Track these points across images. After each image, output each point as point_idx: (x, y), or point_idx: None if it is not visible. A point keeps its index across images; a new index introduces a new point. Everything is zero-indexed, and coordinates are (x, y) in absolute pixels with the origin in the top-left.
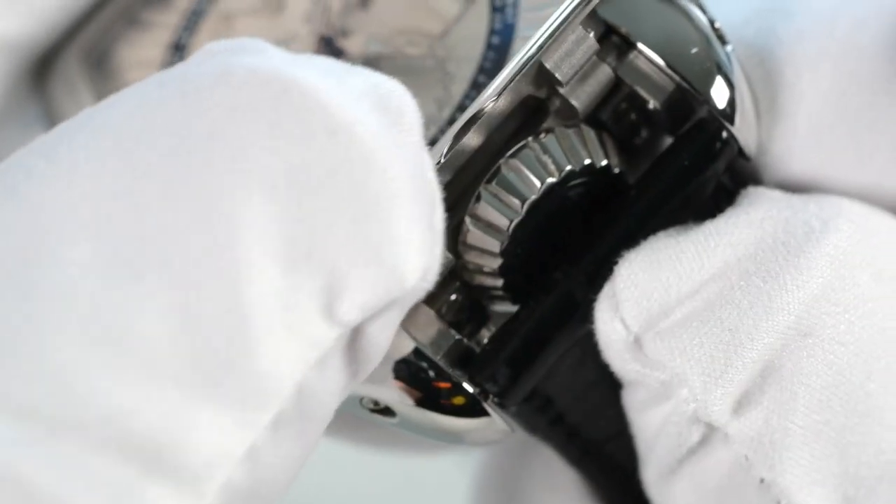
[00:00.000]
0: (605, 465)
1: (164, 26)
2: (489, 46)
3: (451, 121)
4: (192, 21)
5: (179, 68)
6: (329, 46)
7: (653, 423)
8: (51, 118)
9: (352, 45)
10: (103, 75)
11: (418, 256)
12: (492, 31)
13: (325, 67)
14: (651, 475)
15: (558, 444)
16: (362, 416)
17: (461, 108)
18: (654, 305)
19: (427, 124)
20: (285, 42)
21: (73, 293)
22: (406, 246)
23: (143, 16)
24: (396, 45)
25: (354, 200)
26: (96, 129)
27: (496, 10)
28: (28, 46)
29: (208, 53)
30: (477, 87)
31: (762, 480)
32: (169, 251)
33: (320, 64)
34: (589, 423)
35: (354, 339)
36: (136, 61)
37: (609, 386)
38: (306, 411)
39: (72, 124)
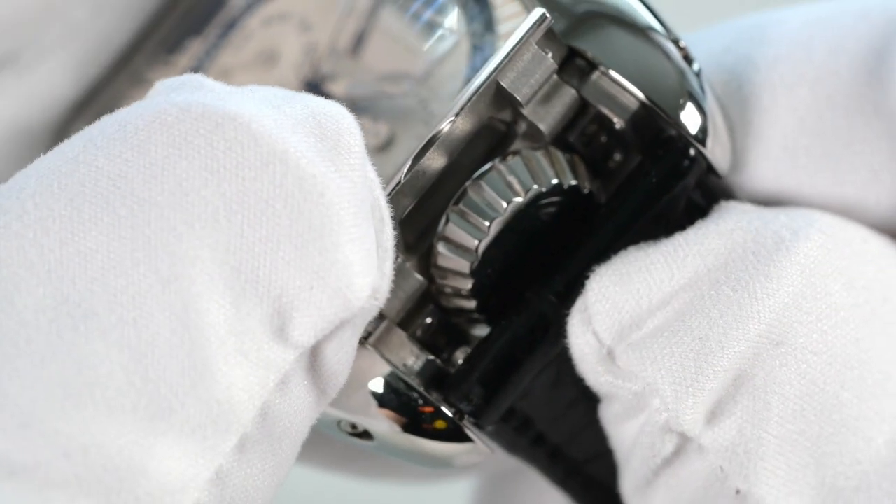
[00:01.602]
0: (589, 485)
1: None
2: (468, 83)
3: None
4: None
5: (121, 112)
6: (315, 91)
7: (628, 435)
8: None
9: (336, 88)
10: None
11: (364, 277)
12: (472, 68)
13: (263, 97)
14: (628, 487)
15: (542, 464)
16: (341, 440)
17: None
18: (626, 317)
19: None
20: None
21: (27, 336)
22: (350, 268)
23: (147, 75)
24: (379, 86)
25: (294, 227)
26: (43, 174)
27: (475, 48)
28: (36, 128)
29: (150, 95)
30: None
31: (738, 491)
32: (117, 289)
33: (258, 94)
34: (571, 443)
35: (314, 359)
36: None
37: (588, 405)
38: (274, 432)
39: (26, 171)
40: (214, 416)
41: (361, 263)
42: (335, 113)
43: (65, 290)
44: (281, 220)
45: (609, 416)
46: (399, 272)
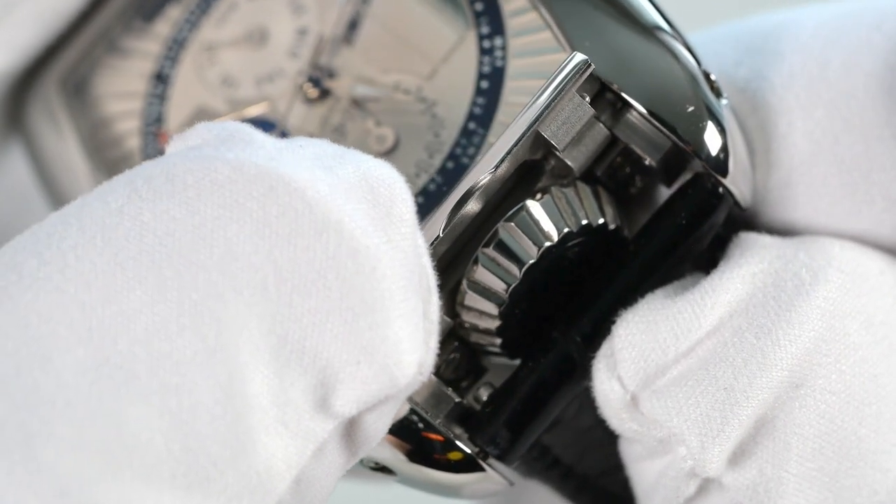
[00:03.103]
0: (600, 497)
1: (144, 54)
2: (478, 91)
3: (442, 168)
4: (174, 51)
5: (168, 160)
6: (317, 87)
7: (649, 474)
8: (30, 145)
9: (338, 86)
10: (83, 104)
11: (412, 353)
12: (480, 76)
13: (315, 155)
14: None
15: (554, 482)
16: (363, 475)
17: (452, 156)
18: (651, 365)
19: (418, 171)
20: (269, 78)
21: (66, 398)
22: (399, 345)
23: (123, 42)
24: (384, 87)
25: (345, 299)
26: (86, 225)
27: (484, 52)
28: (4, 77)
29: (195, 141)
30: (467, 134)
31: None
32: (160, 353)
33: (310, 152)
34: (583, 462)
35: (351, 426)
36: (117, 92)
37: (604, 430)
38: (306, 496)
39: (64, 216)
40: (252, 486)
41: (410, 340)
42: (387, 177)
43: (106, 351)
44: (332, 292)
45: (630, 454)
46: None
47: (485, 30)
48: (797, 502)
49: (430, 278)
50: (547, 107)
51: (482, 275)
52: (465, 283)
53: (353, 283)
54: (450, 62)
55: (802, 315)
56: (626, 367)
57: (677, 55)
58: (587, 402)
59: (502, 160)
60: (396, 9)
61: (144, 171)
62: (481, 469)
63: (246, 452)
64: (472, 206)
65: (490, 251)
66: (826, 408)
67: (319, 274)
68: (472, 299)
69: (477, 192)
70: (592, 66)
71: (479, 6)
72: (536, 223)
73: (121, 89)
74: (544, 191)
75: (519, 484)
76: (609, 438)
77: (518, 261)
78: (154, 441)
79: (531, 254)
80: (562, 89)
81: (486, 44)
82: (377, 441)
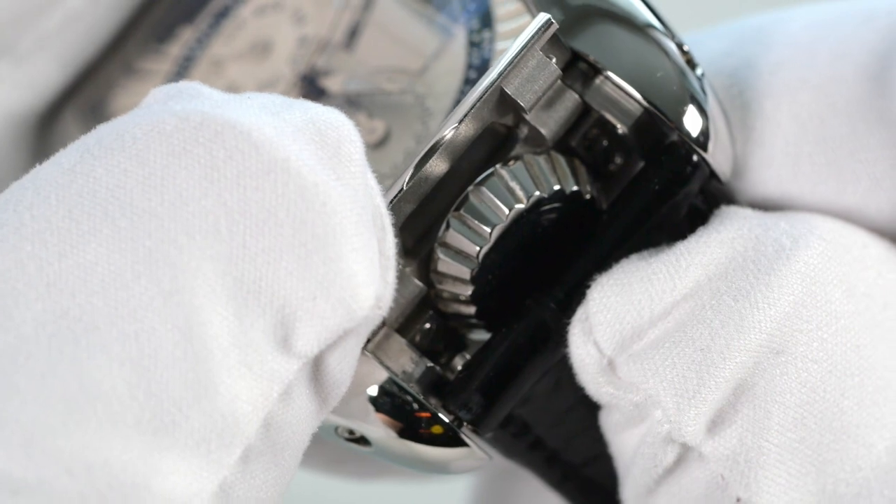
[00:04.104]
0: (586, 487)
1: (158, 74)
2: (466, 81)
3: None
4: (184, 67)
5: (118, 121)
6: (311, 86)
7: (629, 444)
8: None
9: (333, 83)
10: (100, 120)
11: (368, 286)
12: (469, 66)
13: (261, 104)
14: (629, 495)
15: (538, 468)
16: (339, 445)
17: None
18: (627, 328)
19: (405, 158)
20: (270, 84)
21: (27, 351)
22: (354, 277)
23: (139, 64)
24: (376, 82)
25: (297, 237)
26: (40, 186)
27: (473, 45)
28: (28, 114)
29: (145, 103)
30: None
31: (738, 499)
32: (118, 302)
33: (256, 101)
34: (567, 447)
35: (317, 368)
36: (129, 107)
37: (586, 410)
38: (277, 443)
39: (22, 182)
40: (219, 428)
41: (365, 273)
42: (335, 120)
43: (65, 304)
44: (283, 230)
45: (609, 424)
46: (398, 278)
47: (475, 25)
48: (778, 475)
49: (385, 217)
50: (509, 63)
51: (453, 238)
52: (437, 248)
53: (304, 219)
54: (440, 58)
55: (782, 279)
56: (601, 330)
57: (650, 30)
58: (566, 378)
59: (465, 114)
60: (393, 15)
61: (96, 132)
62: (464, 444)
63: (209, 394)
64: (440, 167)
65: (461, 214)
66: (807, 376)
67: (270, 213)
68: (444, 265)
69: (444, 148)
70: (555, 25)
71: (471, 6)
72: (507, 185)
73: (132, 105)
74: (517, 158)
75: (507, 484)
76: (592, 421)
77: (488, 223)
78: (116, 388)
79: (502, 216)
80: (523, 46)
81: (476, 38)
82: (345, 385)
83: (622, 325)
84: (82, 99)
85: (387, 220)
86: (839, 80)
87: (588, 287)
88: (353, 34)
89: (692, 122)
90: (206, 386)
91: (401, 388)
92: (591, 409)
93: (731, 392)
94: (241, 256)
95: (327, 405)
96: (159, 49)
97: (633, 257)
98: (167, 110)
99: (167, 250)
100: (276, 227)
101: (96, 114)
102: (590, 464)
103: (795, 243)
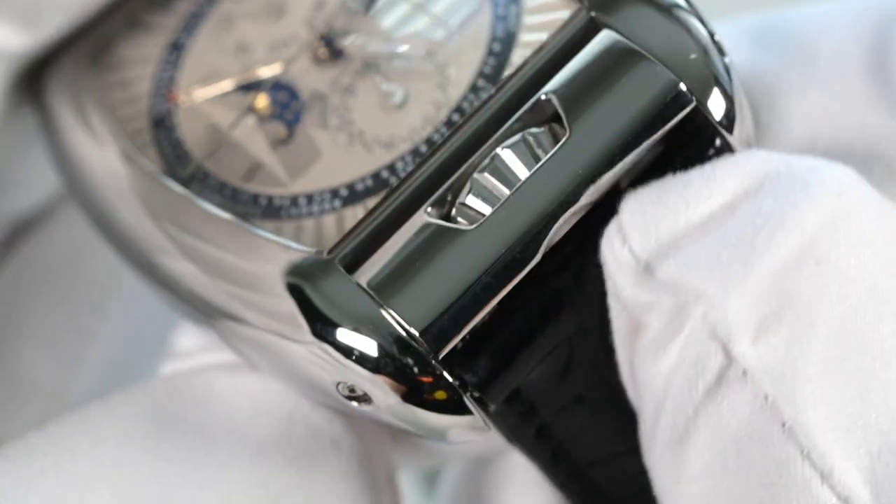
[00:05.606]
0: (590, 491)
1: (163, 27)
2: (490, 52)
3: (448, 121)
4: (192, 23)
5: None
6: (329, 46)
7: (663, 369)
8: (45, 118)
9: (351, 45)
10: (100, 67)
11: None
12: (493, 38)
13: None
14: (659, 447)
15: (544, 463)
16: (335, 404)
17: (458, 109)
18: (664, 234)
19: (423, 124)
20: (284, 42)
21: None
22: None
23: (144, 17)
24: (395, 46)
25: None
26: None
27: (498, 18)
28: (27, 56)
29: None
30: (475, 90)
31: (784, 424)
32: None
33: None
34: (575, 442)
35: None
36: (134, 58)
37: (596, 404)
38: None
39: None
40: None
41: None
42: None
43: None
44: None
45: (642, 350)
46: None
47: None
48: (825, 392)
49: None
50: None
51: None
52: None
53: None
54: (464, 28)
55: (819, 188)
56: (636, 236)
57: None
58: (578, 361)
59: None
60: None
61: None
62: (468, 411)
63: None
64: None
65: (483, 176)
66: (846, 291)
67: None
68: None
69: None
70: None
71: None
72: (533, 153)
73: (137, 56)
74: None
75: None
76: (601, 418)
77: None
78: None
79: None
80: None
81: (501, 10)
82: None
83: (658, 231)
84: (83, 47)
85: None
86: (843, 77)
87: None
88: (372, 1)
89: (715, 102)
90: None
91: (405, 346)
92: (600, 404)
93: (775, 296)
94: None
95: None
96: (165, 4)
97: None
98: None
99: None
100: None
101: (96, 62)
102: (596, 465)
103: (827, 165)
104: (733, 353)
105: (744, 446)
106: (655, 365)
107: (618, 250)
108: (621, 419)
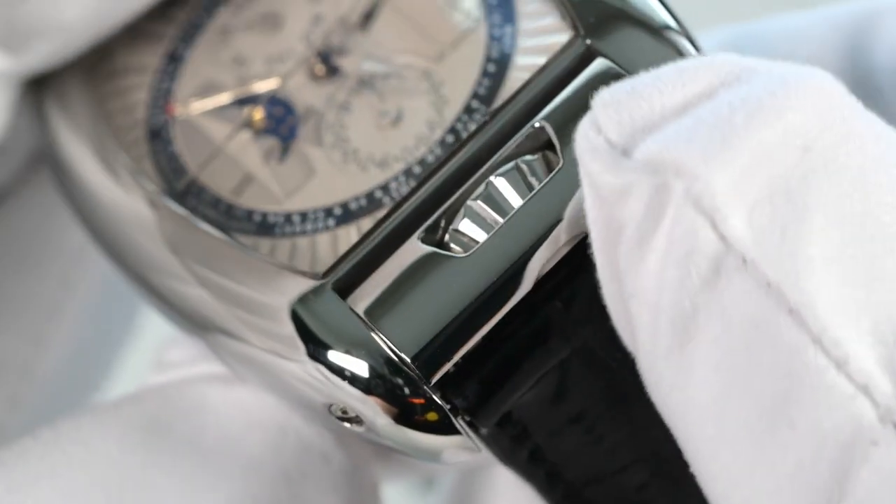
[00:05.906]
0: None
1: (162, 36)
2: (484, 73)
3: (442, 142)
4: (190, 33)
5: None
6: (325, 62)
7: (651, 264)
8: (43, 124)
9: (347, 63)
10: (98, 76)
11: None
12: (488, 59)
13: None
14: (662, 360)
15: (539, 484)
16: (328, 424)
17: (452, 130)
18: (638, 121)
19: (417, 144)
20: (280, 57)
21: None
22: None
23: (143, 26)
24: (391, 65)
25: None
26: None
27: (494, 39)
28: (16, 76)
29: None
30: (469, 111)
31: (791, 311)
32: None
33: None
34: (570, 464)
35: None
36: (132, 65)
37: (589, 424)
38: None
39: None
40: None
41: None
42: None
43: None
44: None
45: (625, 254)
46: None
47: (497, 19)
48: (830, 276)
49: None
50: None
51: (466, 226)
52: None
53: None
54: (459, 48)
55: (800, 83)
56: (611, 125)
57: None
58: (570, 384)
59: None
60: (412, 0)
61: None
62: (457, 432)
63: None
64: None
65: (476, 204)
66: (839, 179)
67: None
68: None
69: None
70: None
71: (493, 0)
72: (526, 181)
73: (134, 64)
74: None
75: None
76: (594, 437)
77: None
78: None
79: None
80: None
81: (497, 32)
82: None
83: (633, 119)
84: (85, 59)
85: None
86: None
87: (597, 290)
88: (369, 16)
89: None
90: None
91: (391, 366)
92: (593, 424)
93: (763, 179)
94: None
95: None
96: (165, 12)
97: None
98: None
99: None
100: None
101: (97, 69)
102: (592, 485)
103: (807, 68)
104: (724, 231)
105: (751, 340)
106: (643, 262)
107: (593, 139)
108: (615, 439)
